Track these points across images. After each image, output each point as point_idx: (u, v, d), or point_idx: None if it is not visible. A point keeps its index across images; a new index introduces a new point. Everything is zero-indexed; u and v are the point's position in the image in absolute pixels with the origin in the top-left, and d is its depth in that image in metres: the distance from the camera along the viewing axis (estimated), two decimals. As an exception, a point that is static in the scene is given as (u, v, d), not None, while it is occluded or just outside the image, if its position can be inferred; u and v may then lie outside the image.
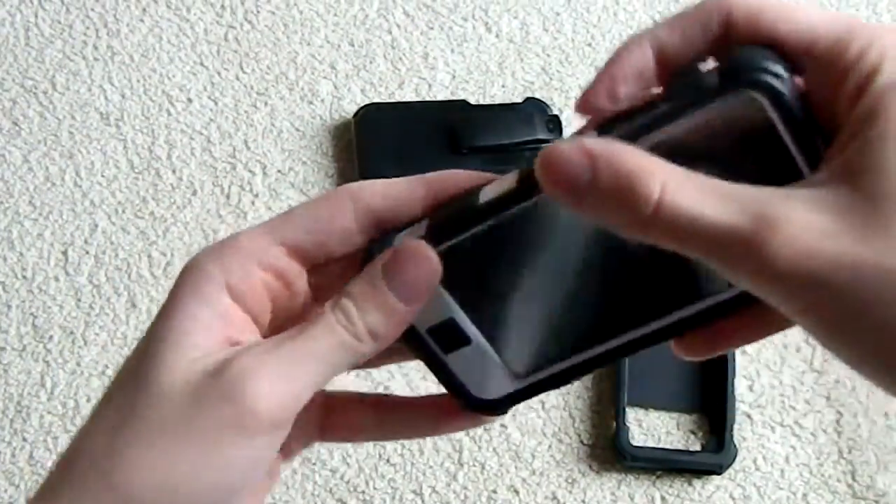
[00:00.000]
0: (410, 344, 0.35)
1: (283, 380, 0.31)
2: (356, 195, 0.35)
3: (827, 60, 0.28)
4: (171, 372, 0.32)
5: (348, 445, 0.70)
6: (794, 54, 0.29)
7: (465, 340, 0.35)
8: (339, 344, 0.32)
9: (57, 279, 0.77)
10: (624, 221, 0.28)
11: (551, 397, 0.72)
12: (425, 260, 0.33)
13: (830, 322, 0.26)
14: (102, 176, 0.82)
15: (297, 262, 0.35)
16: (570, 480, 0.69)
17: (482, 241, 0.34)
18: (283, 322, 0.35)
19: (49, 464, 0.70)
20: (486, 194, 0.33)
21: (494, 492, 0.69)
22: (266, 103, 0.85)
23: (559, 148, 0.28)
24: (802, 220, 0.26)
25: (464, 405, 0.37)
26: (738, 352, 0.73)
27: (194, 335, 0.32)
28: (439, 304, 0.35)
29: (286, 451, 0.38)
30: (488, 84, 0.86)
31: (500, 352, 0.36)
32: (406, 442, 0.70)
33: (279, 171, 0.82)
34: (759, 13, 0.30)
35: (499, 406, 0.37)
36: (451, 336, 0.35)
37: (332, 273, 0.36)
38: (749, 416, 0.71)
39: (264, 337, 0.35)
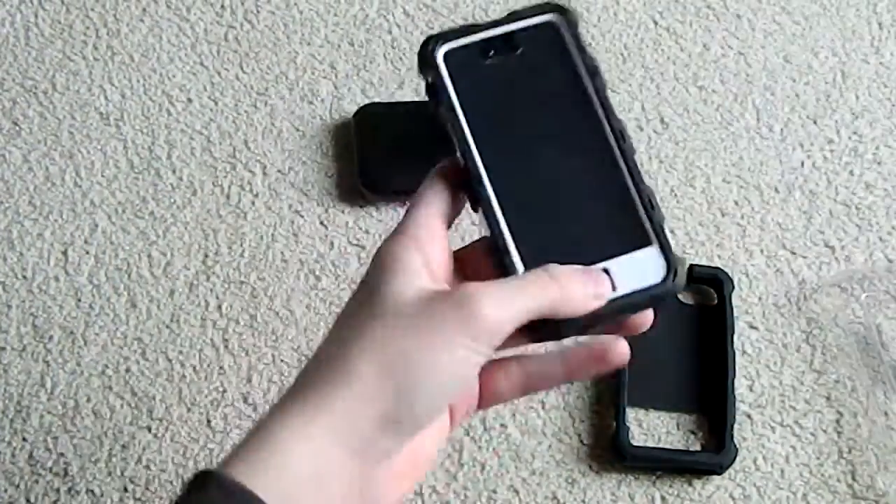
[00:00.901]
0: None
1: (504, 302, 0.39)
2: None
3: None
4: (403, 290, 0.40)
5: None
6: None
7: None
8: (545, 293, 0.40)
9: (57, 279, 0.77)
10: None
11: (551, 397, 0.72)
12: None
13: None
14: (102, 176, 0.82)
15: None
16: (570, 480, 0.69)
17: None
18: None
19: (49, 464, 0.70)
20: None
21: (494, 492, 0.69)
22: (266, 103, 0.85)
23: None
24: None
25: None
26: (738, 352, 0.73)
27: (415, 268, 0.41)
28: None
29: (453, 419, 0.46)
30: (488, 84, 0.86)
31: None
32: (406, 442, 0.70)
33: (279, 171, 0.82)
34: None
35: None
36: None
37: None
38: (749, 416, 0.71)
39: None
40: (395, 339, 0.39)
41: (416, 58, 0.45)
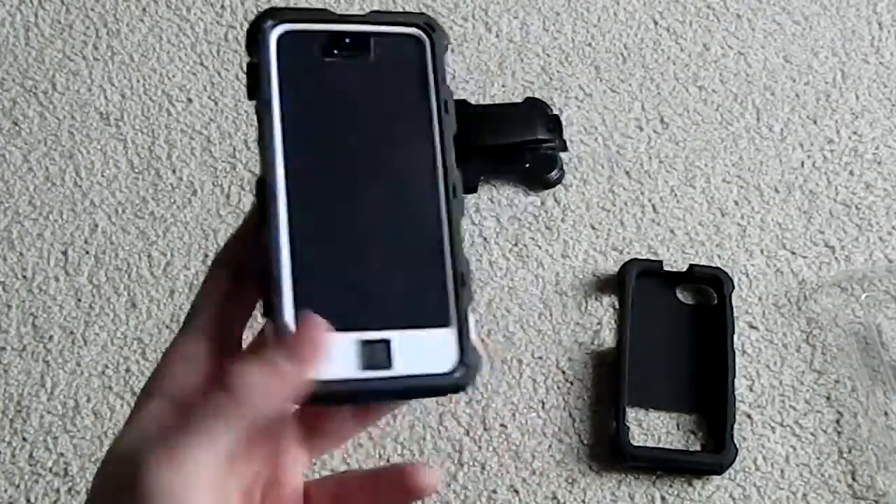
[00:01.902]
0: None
1: (175, 461, 0.33)
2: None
3: None
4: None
5: (349, 446, 0.70)
6: None
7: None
8: (222, 412, 0.33)
9: (57, 279, 0.77)
10: None
11: (551, 397, 0.72)
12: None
13: None
14: (102, 176, 0.82)
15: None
16: (570, 480, 0.69)
17: None
18: None
19: (49, 464, 0.70)
20: None
21: (494, 492, 0.69)
22: (266, 103, 0.85)
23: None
24: None
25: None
26: (738, 352, 0.73)
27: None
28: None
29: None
30: (488, 84, 0.86)
31: None
32: (406, 442, 0.70)
33: (279, 171, 0.82)
34: None
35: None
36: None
37: None
38: (749, 416, 0.71)
39: None
40: None
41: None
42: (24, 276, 0.77)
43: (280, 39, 0.37)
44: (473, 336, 0.36)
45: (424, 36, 0.38)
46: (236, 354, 0.37)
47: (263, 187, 0.35)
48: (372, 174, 0.37)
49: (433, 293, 0.36)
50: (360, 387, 0.34)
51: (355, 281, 0.35)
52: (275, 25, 0.37)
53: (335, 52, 0.37)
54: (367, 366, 0.34)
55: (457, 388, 0.35)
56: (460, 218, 0.37)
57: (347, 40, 0.37)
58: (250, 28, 0.37)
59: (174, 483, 0.32)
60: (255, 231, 0.36)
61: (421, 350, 0.35)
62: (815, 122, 0.84)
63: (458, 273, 0.36)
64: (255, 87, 0.36)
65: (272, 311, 0.34)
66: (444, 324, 0.36)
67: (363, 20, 0.38)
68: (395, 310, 0.35)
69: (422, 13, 0.39)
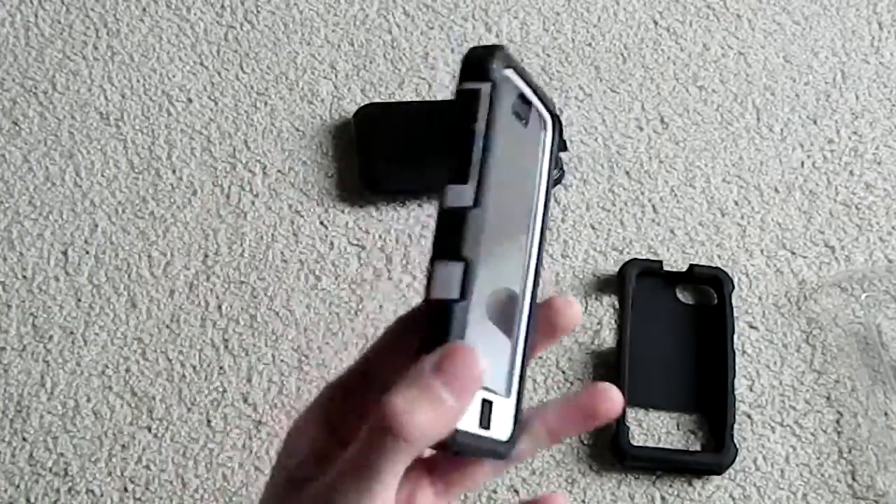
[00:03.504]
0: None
1: (354, 494, 0.32)
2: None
3: None
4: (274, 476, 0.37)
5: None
6: None
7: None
8: (378, 443, 0.32)
9: (57, 279, 0.77)
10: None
11: (551, 397, 0.72)
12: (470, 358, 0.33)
13: None
14: (102, 176, 0.82)
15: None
16: (570, 480, 0.69)
17: None
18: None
19: (49, 464, 0.70)
20: None
21: (494, 492, 0.69)
22: (266, 103, 0.85)
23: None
24: None
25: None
26: (738, 352, 0.73)
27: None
28: None
29: None
30: (488, 84, 0.86)
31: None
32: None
33: (279, 171, 0.82)
34: None
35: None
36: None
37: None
38: (749, 416, 0.71)
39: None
40: None
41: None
42: (24, 276, 0.77)
43: (502, 78, 0.36)
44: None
45: (552, 120, 0.40)
46: (388, 387, 0.33)
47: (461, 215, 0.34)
48: (513, 233, 0.37)
49: (505, 361, 0.36)
50: (477, 444, 0.34)
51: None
52: (503, 66, 0.36)
53: (518, 110, 0.38)
54: (482, 424, 0.34)
55: (504, 455, 0.36)
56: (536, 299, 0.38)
57: (525, 103, 0.38)
58: (483, 56, 0.36)
59: None
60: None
61: (497, 416, 0.35)
62: (815, 122, 0.84)
63: (528, 346, 0.37)
64: (473, 118, 0.35)
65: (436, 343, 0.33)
66: (508, 394, 0.36)
67: (537, 88, 0.39)
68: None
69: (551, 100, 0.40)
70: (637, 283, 0.75)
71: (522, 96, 0.37)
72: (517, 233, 0.38)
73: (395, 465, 0.32)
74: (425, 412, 0.31)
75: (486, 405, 0.35)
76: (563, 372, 0.73)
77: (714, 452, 0.69)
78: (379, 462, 0.32)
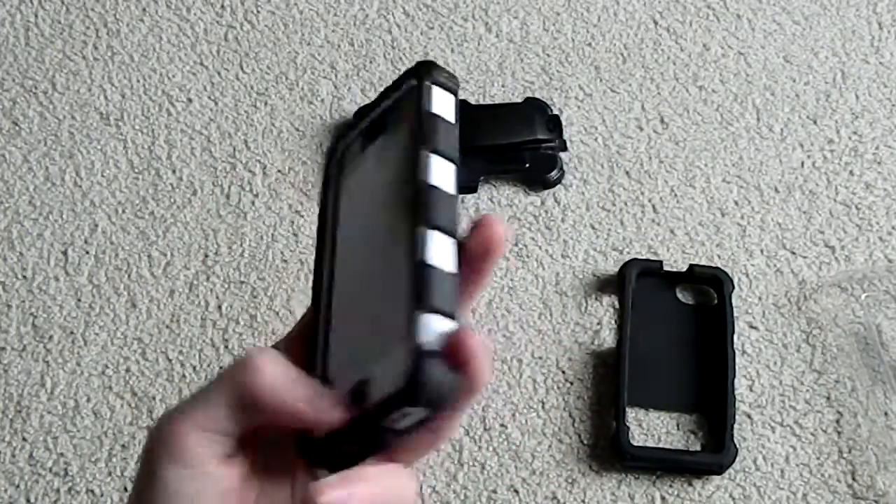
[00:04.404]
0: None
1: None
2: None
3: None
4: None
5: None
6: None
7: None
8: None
9: (57, 279, 0.77)
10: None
11: (551, 397, 0.72)
12: None
13: None
14: (102, 176, 0.82)
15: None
16: (570, 480, 0.69)
17: None
18: None
19: (49, 464, 0.70)
20: None
21: (494, 492, 0.69)
22: (266, 103, 0.85)
23: None
24: None
25: None
26: (738, 352, 0.73)
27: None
28: None
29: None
30: (488, 84, 0.86)
31: None
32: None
33: (279, 171, 0.82)
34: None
35: None
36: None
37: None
38: (749, 416, 0.71)
39: None
40: None
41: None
42: (24, 276, 0.77)
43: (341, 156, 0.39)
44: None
45: (420, 77, 0.37)
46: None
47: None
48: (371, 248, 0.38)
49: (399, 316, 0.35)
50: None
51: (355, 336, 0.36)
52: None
53: (367, 137, 0.38)
54: (356, 399, 0.35)
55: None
56: None
57: (378, 121, 0.38)
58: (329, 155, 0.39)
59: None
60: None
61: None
62: (815, 122, 0.84)
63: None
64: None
65: None
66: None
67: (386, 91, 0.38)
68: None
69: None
70: (637, 283, 0.75)
71: (366, 128, 0.38)
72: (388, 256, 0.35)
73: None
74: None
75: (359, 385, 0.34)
76: (563, 372, 0.73)
77: (714, 452, 0.69)
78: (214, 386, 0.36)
